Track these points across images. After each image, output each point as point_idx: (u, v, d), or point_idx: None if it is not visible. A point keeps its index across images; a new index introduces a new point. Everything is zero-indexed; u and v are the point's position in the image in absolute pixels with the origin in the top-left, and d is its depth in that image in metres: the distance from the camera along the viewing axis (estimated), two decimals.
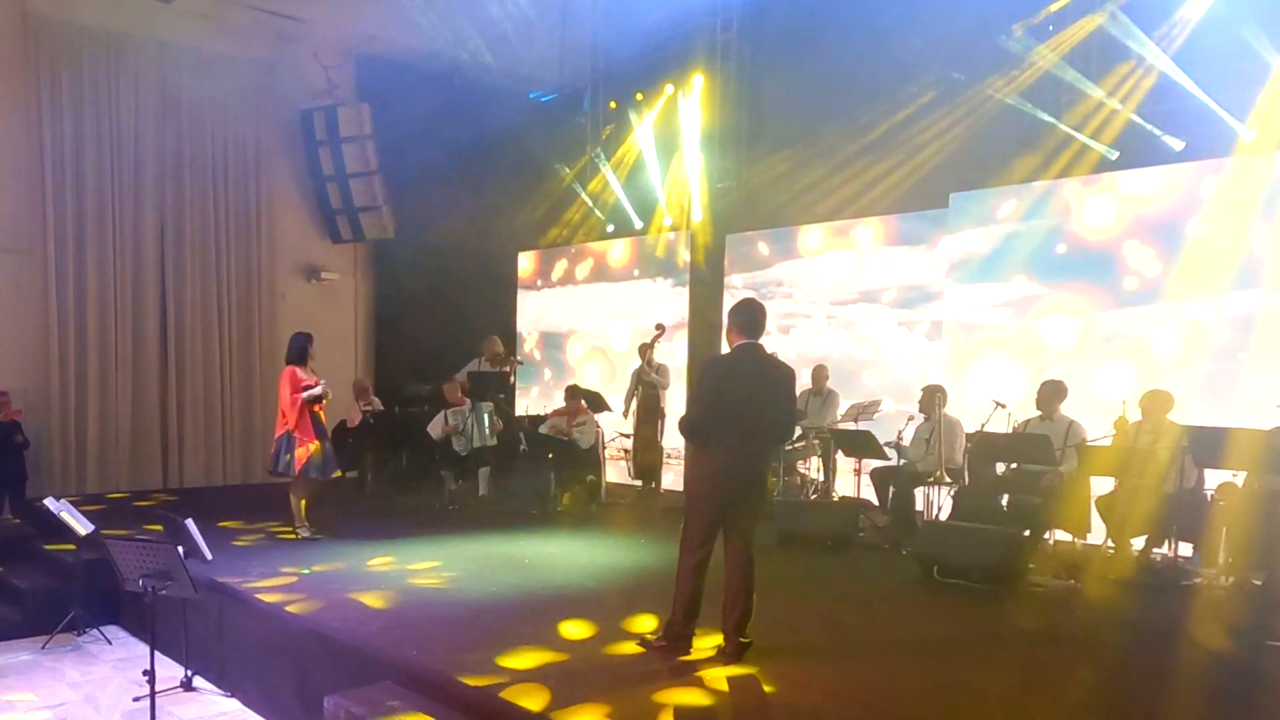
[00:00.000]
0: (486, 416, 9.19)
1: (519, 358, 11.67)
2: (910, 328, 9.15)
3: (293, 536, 7.34)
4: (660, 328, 9.79)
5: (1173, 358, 7.30)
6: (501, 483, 9.25)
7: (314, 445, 7.25)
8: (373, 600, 5.54)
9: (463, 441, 9.15)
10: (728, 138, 10.61)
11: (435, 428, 9.36)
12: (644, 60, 10.99)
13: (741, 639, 4.55)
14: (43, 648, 6.30)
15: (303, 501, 7.42)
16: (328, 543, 7.17)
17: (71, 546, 6.51)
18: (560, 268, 12.63)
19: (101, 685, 5.66)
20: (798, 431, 8.27)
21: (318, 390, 7.27)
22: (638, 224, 11.45)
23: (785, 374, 4.79)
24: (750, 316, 4.73)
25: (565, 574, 6.35)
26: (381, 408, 10.13)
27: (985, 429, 7.16)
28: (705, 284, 10.82)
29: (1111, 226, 7.76)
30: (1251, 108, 6.96)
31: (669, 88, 10.80)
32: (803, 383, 8.09)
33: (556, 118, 12.11)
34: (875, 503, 8.01)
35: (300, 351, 7.39)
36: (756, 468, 4.79)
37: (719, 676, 4.31)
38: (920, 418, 7.76)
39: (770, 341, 4.86)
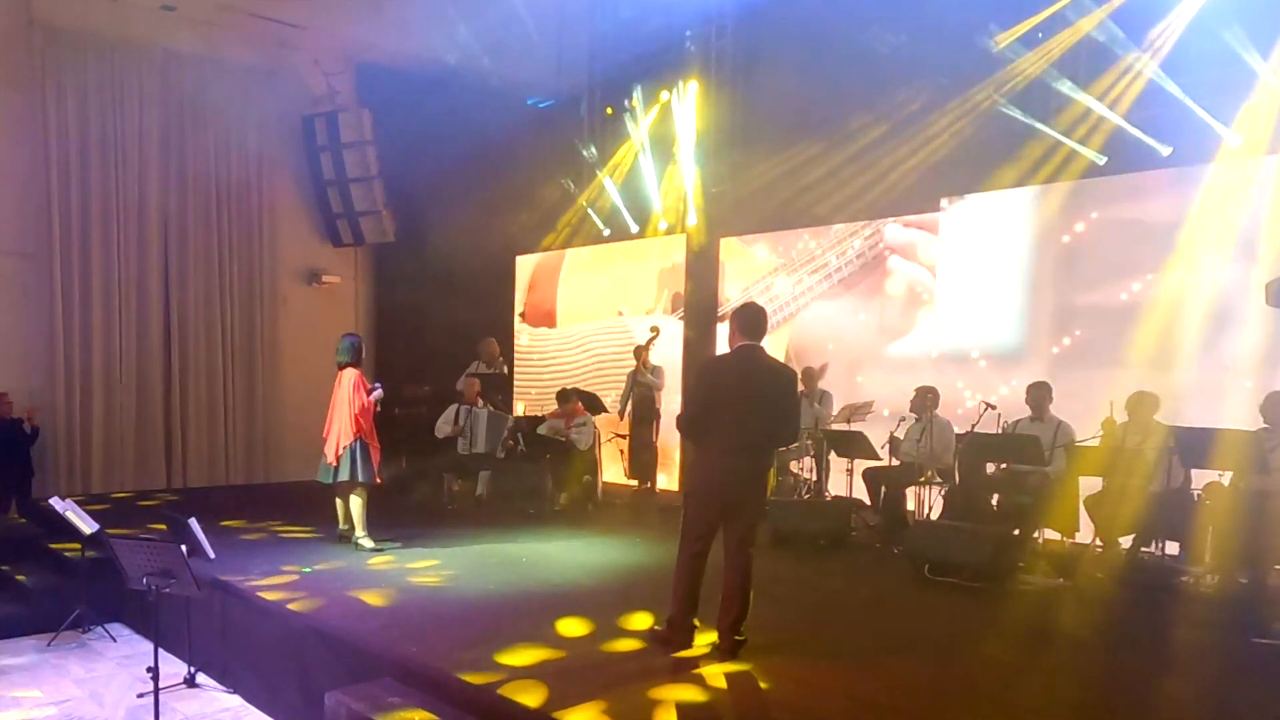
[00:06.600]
0: (496, 424, 9.06)
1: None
2: (903, 330, 9.24)
3: (352, 539, 6.98)
4: (655, 330, 9.88)
5: (1161, 359, 7.38)
6: (499, 483, 9.32)
7: (378, 448, 7.03)
8: (373, 598, 5.62)
9: (464, 443, 9.19)
10: (722, 143, 10.68)
11: (444, 426, 9.08)
12: (640, 67, 11.06)
13: (737, 636, 4.61)
14: (48, 645, 6.36)
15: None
16: (328, 543, 7.22)
17: (76, 546, 6.58)
18: (558, 269, 12.71)
19: (106, 682, 5.73)
20: None
21: (380, 393, 7.00)
22: (634, 228, 11.52)
23: (786, 377, 4.84)
24: (750, 319, 4.78)
25: (562, 572, 6.43)
26: (380, 409, 10.16)
27: (976, 429, 7.26)
28: (700, 287, 10.91)
29: (1102, 230, 7.85)
30: (1237, 113, 7.05)
31: (664, 94, 10.88)
32: None
33: (554, 124, 12.18)
34: (867, 502, 8.09)
35: (359, 353, 7.05)
36: (754, 468, 4.77)
37: (716, 673, 4.37)
38: (912, 418, 7.86)
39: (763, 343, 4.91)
